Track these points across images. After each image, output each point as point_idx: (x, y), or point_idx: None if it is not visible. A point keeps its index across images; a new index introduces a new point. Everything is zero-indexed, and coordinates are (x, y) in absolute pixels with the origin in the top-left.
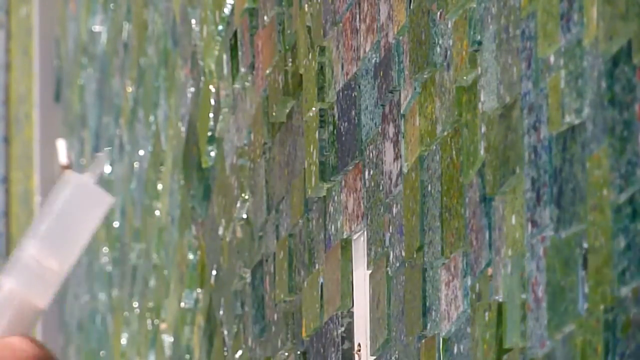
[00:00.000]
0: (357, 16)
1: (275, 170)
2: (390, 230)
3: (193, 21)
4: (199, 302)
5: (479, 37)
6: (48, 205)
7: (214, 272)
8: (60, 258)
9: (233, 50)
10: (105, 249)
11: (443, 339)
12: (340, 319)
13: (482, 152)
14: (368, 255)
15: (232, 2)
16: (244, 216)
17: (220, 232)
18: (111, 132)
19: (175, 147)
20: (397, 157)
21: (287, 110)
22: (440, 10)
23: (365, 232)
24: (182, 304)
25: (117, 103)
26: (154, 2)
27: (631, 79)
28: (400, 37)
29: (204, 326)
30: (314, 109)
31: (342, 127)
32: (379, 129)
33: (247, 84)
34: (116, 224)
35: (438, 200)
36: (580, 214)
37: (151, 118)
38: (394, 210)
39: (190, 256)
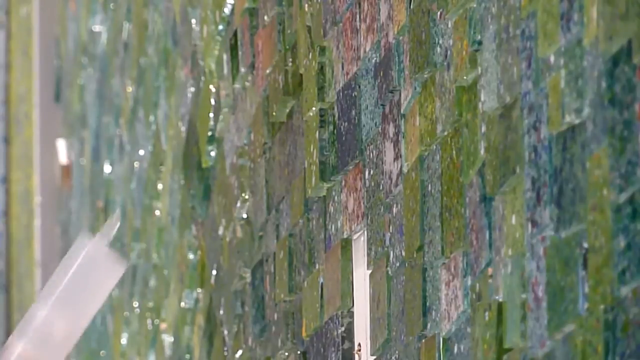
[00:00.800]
0: (357, 16)
1: (276, 170)
2: (391, 230)
3: (193, 21)
4: (199, 301)
5: (479, 37)
6: (62, 269)
7: (214, 272)
8: (72, 322)
9: (233, 50)
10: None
11: (443, 339)
12: (340, 318)
13: (482, 152)
14: (368, 255)
15: (233, 2)
16: (244, 216)
17: (221, 231)
18: (111, 132)
19: (176, 147)
20: (397, 157)
21: (287, 110)
22: (441, 10)
23: (366, 232)
24: (182, 304)
25: (117, 103)
26: (154, 2)
27: (631, 78)
28: (401, 37)
29: (204, 326)
30: (314, 108)
31: (342, 127)
32: (379, 128)
33: (247, 83)
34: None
35: (438, 200)
36: (580, 214)
37: (151, 118)
38: (394, 210)
39: (191, 256)
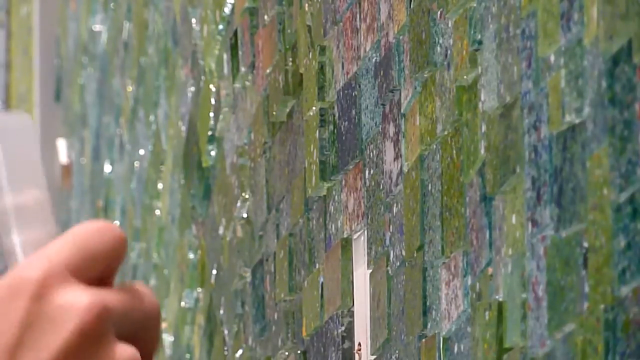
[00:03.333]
0: (358, 15)
1: (276, 169)
2: (391, 230)
3: (193, 20)
4: (199, 301)
5: (479, 37)
6: None
7: (214, 272)
8: (34, 185)
9: (233, 49)
10: None
11: (443, 338)
12: (340, 318)
13: (482, 151)
14: (368, 254)
15: (233, 2)
16: (245, 215)
17: (221, 231)
18: (111, 132)
19: (176, 146)
20: (397, 156)
21: (288, 110)
22: (441, 9)
23: (366, 232)
24: (183, 304)
25: (117, 102)
26: (154, 1)
27: (631, 78)
28: (401, 37)
29: (204, 325)
30: (314, 108)
31: (342, 127)
32: (379, 128)
33: (247, 83)
34: (116, 223)
35: (438, 200)
36: (581, 214)
37: (151, 117)
38: (394, 209)
39: (191, 255)
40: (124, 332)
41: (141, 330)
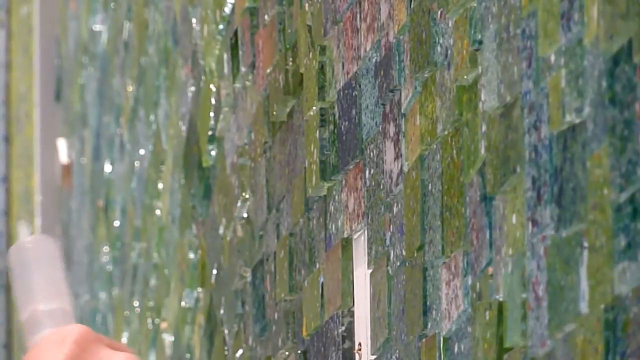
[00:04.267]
0: (358, 15)
1: (276, 169)
2: (391, 230)
3: (194, 20)
4: (200, 301)
5: (479, 36)
6: (21, 275)
7: (214, 271)
8: (61, 297)
9: (234, 49)
10: (105, 248)
11: (444, 338)
12: (340, 318)
13: (482, 151)
14: (369, 254)
15: (233, 2)
16: (245, 215)
17: (221, 231)
18: (112, 131)
19: (176, 146)
20: (397, 156)
21: (288, 110)
22: (441, 9)
23: (366, 231)
24: (183, 303)
25: (117, 102)
26: (154, 1)
27: (632, 78)
28: (401, 36)
29: (204, 325)
30: (314, 108)
31: (342, 127)
32: (380, 128)
33: (247, 83)
34: (117, 223)
35: (439, 200)
36: (581, 213)
37: (152, 117)
38: (395, 209)
39: (191, 255)
40: None
41: None
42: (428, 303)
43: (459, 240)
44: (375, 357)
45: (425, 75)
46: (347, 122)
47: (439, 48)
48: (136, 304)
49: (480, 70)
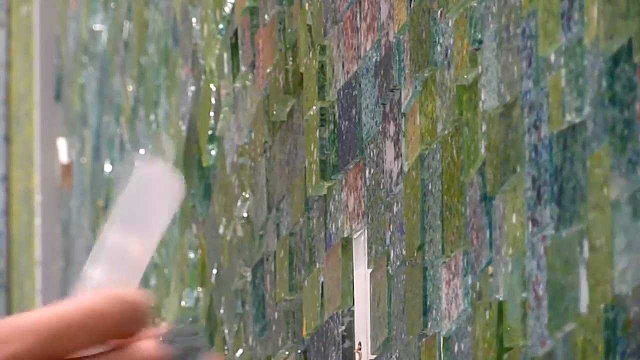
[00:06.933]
0: (358, 15)
1: (276, 169)
2: (391, 229)
3: (194, 20)
4: (200, 300)
5: (479, 36)
6: (123, 193)
7: (214, 271)
8: (142, 241)
9: (234, 48)
10: None
11: (444, 338)
12: (340, 317)
13: (482, 150)
14: (369, 254)
15: (233, 1)
16: (245, 215)
17: (221, 230)
18: (112, 131)
19: (176, 145)
20: (397, 155)
21: (288, 109)
22: (441, 9)
23: (366, 231)
24: (183, 303)
25: (117, 102)
26: (154, 0)
27: (632, 77)
28: (401, 36)
29: (204, 325)
30: (314, 107)
31: (342, 126)
32: (380, 127)
33: (247, 82)
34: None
35: (439, 199)
36: (581, 213)
37: (152, 117)
38: (395, 209)
39: (191, 255)
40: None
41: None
42: (428, 303)
43: (459, 239)
44: (375, 356)
45: (425, 75)
46: (347, 122)
47: (439, 48)
48: None
49: (480, 70)
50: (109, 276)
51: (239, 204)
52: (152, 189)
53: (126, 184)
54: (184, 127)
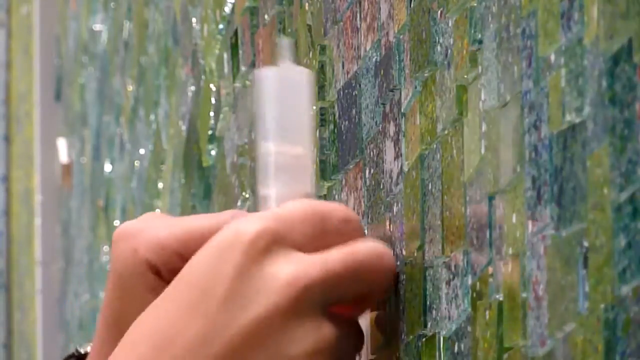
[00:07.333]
0: (358, 15)
1: None
2: (391, 229)
3: (194, 20)
4: None
5: (479, 36)
6: (263, 105)
7: None
8: (300, 141)
9: (234, 48)
10: (105, 248)
11: (444, 338)
12: None
13: (482, 150)
14: None
15: (233, 1)
16: None
17: None
18: (112, 131)
19: (176, 145)
20: (397, 155)
21: None
22: (441, 9)
23: (366, 231)
24: None
25: (117, 102)
26: (154, 0)
27: (632, 77)
28: (401, 36)
29: None
30: (314, 107)
31: (342, 126)
32: (380, 127)
33: (247, 82)
34: (117, 223)
35: (439, 199)
36: (581, 213)
37: (152, 117)
38: (395, 208)
39: None
40: (340, 299)
41: (360, 298)
42: (428, 302)
43: (459, 240)
44: (375, 356)
45: (425, 74)
46: (347, 122)
47: (439, 47)
48: None
49: (480, 70)
50: (287, 190)
51: (239, 204)
52: (288, 89)
53: (260, 96)
54: (184, 127)
